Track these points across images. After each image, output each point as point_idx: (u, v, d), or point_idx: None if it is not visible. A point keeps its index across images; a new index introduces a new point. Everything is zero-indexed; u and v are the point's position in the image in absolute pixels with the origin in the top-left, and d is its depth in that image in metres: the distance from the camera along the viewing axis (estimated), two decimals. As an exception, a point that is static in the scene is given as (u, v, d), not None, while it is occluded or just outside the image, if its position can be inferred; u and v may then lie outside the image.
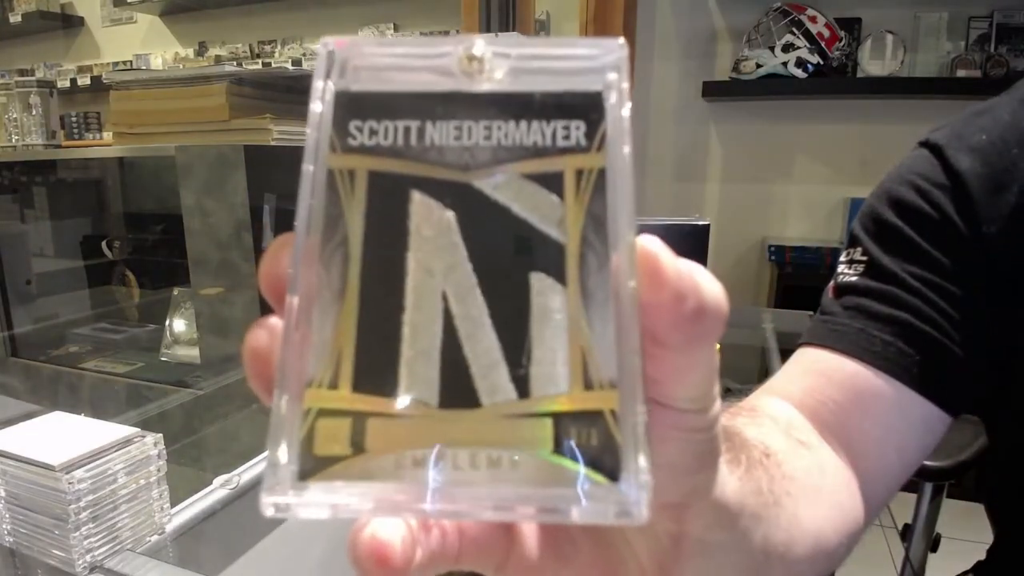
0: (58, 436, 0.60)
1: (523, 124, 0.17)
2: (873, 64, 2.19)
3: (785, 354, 0.51)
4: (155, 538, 0.63)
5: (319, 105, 0.17)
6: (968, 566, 0.69)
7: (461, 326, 0.16)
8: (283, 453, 0.15)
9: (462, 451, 0.15)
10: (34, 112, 1.48)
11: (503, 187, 0.17)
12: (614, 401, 0.15)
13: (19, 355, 1.46)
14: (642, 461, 0.15)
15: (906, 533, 1.12)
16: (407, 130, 0.17)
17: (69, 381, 1.32)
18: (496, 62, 0.17)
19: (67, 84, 3.41)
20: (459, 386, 0.16)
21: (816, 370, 0.46)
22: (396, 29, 2.97)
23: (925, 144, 0.49)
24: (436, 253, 0.16)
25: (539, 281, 0.16)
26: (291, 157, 1.04)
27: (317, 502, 0.15)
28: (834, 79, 2.22)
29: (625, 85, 0.17)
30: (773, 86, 2.25)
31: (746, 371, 1.27)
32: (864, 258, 0.48)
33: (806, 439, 0.41)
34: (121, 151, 1.20)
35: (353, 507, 0.15)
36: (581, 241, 0.16)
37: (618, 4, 2.05)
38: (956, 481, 1.05)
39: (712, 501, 0.22)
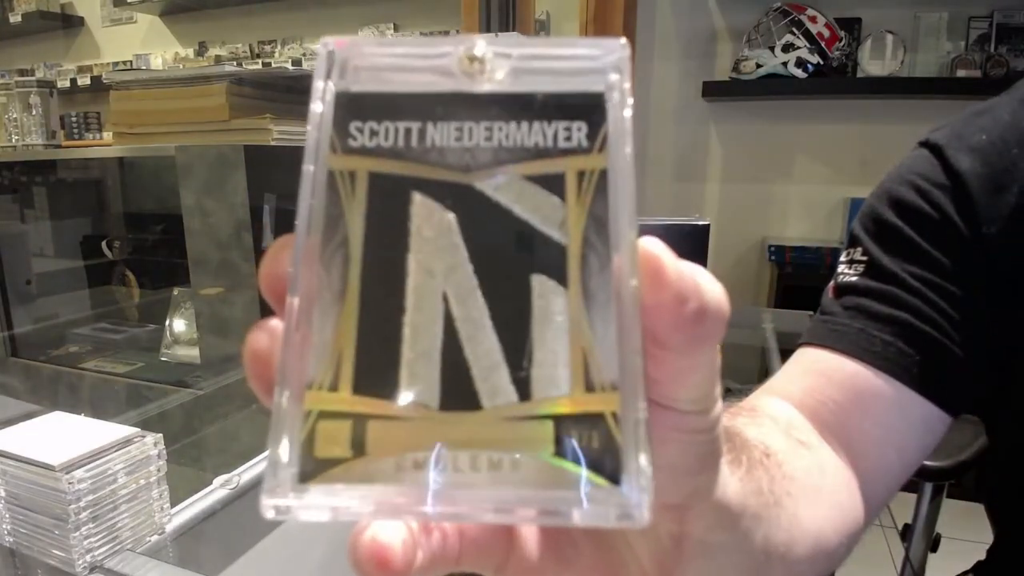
0: (58, 436, 0.60)
1: (524, 125, 0.17)
2: (873, 64, 2.19)
3: (785, 354, 0.51)
4: (155, 538, 0.63)
5: (319, 105, 0.17)
6: (968, 566, 0.69)
7: (462, 328, 0.16)
8: (283, 455, 0.15)
9: (463, 453, 0.15)
10: (34, 112, 1.48)
11: (504, 188, 0.17)
12: (615, 403, 0.15)
13: (19, 355, 1.46)
14: (644, 463, 0.15)
15: (906, 533, 1.12)
16: (408, 131, 0.17)
17: (69, 381, 1.32)
18: (497, 62, 0.17)
19: (67, 84, 3.41)
20: (460, 388, 0.15)
21: (816, 370, 0.46)
22: (396, 29, 2.97)
23: (925, 144, 0.49)
24: (437, 254, 0.16)
25: (540, 283, 0.16)
26: (291, 157, 1.04)
27: (317, 504, 0.15)
28: (834, 79, 2.22)
29: (627, 85, 0.17)
30: (773, 86, 2.25)
31: (746, 371, 1.27)
32: (864, 258, 0.48)
33: (806, 439, 0.41)
34: (121, 151, 1.20)
35: (354, 510, 0.15)
36: (583, 243, 0.16)
37: (618, 4, 2.05)
38: (956, 481, 1.05)
39: (714, 502, 0.22)
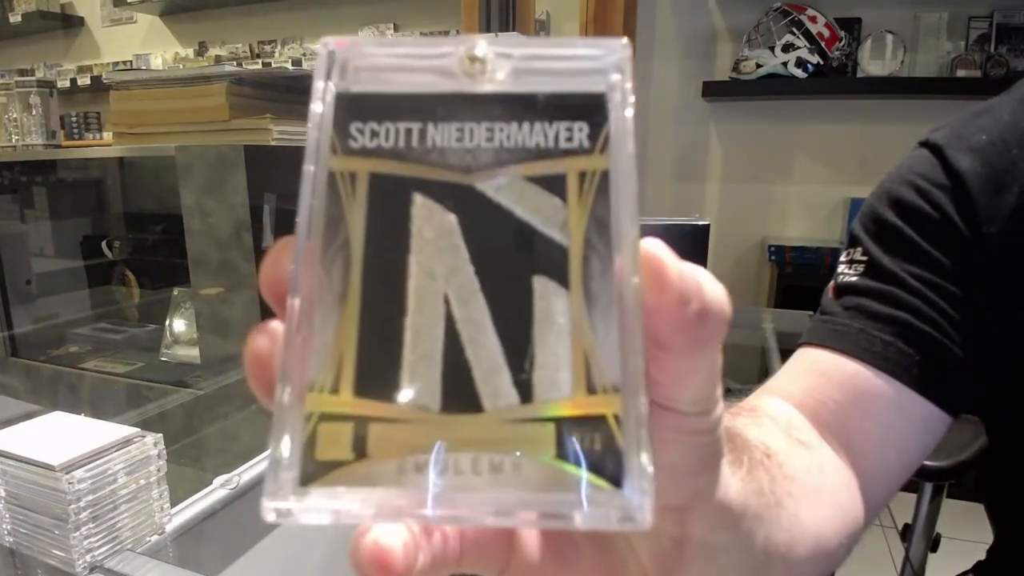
0: (58, 436, 0.60)
1: (525, 125, 0.17)
2: (873, 64, 2.19)
3: (785, 354, 0.51)
4: (155, 538, 0.63)
5: (320, 106, 0.17)
6: (968, 566, 0.69)
7: (463, 330, 0.16)
8: (284, 458, 0.15)
9: (464, 456, 0.15)
10: (34, 112, 1.48)
11: (505, 189, 0.17)
12: (617, 405, 0.15)
13: (19, 355, 1.46)
14: (645, 466, 0.15)
15: (906, 533, 1.12)
16: (408, 132, 0.17)
17: (69, 381, 1.32)
18: (498, 63, 0.17)
19: (67, 84, 3.41)
20: (461, 390, 0.15)
21: (816, 370, 0.46)
22: (396, 29, 2.97)
23: (925, 144, 0.49)
24: (438, 256, 0.16)
25: (542, 284, 0.16)
26: (291, 157, 1.04)
27: (319, 508, 0.15)
28: (834, 79, 2.22)
29: (628, 86, 0.17)
30: (773, 86, 2.25)
31: (746, 371, 1.27)
32: (864, 258, 0.48)
33: (806, 439, 0.41)
34: (121, 151, 1.20)
35: (355, 513, 0.15)
36: (584, 244, 0.16)
37: (618, 4, 2.05)
38: (956, 481, 1.05)
39: (715, 503, 0.22)
